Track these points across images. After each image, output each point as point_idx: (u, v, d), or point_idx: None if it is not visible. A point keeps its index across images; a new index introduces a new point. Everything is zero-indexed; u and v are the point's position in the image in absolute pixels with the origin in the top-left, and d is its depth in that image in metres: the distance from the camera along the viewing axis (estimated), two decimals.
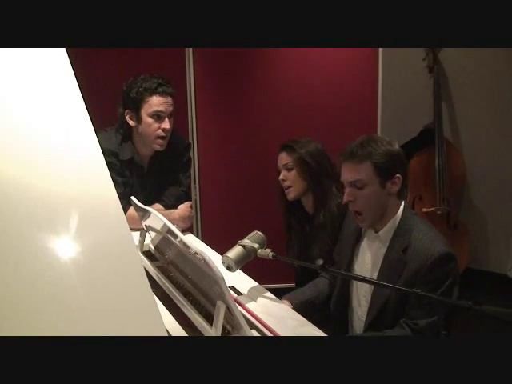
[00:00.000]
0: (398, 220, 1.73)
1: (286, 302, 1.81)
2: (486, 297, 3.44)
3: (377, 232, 1.77)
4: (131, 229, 1.98)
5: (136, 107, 2.23)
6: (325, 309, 1.95)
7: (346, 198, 1.75)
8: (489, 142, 3.66)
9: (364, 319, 1.79)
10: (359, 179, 1.70)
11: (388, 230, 1.74)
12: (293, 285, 2.51)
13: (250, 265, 1.70)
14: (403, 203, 1.77)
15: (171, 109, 2.26)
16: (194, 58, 3.01)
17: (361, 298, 1.82)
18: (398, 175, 1.71)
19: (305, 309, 1.80)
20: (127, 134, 2.30)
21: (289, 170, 2.28)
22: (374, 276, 1.76)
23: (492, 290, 3.56)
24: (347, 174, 1.73)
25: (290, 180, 2.28)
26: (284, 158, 2.30)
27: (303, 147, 2.25)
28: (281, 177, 2.31)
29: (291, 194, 2.30)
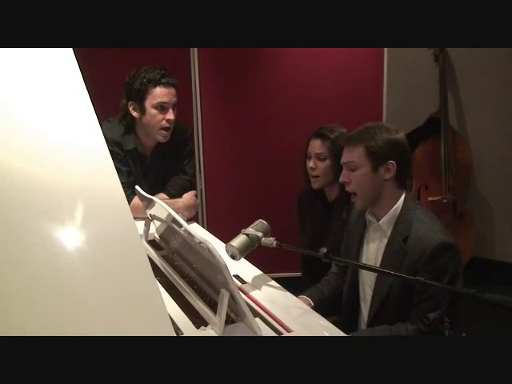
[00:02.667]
0: (399, 210, 1.76)
1: (305, 299, 1.83)
2: (491, 286, 3.42)
3: (378, 221, 1.80)
4: (136, 218, 2.01)
5: (140, 98, 2.23)
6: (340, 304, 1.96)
7: (341, 179, 1.82)
8: (495, 130, 3.64)
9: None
10: (351, 161, 1.77)
11: (389, 219, 1.77)
12: (297, 274, 2.51)
13: (254, 254, 1.71)
14: (404, 193, 1.79)
15: (175, 99, 2.26)
16: (198, 50, 3.01)
17: (366, 288, 1.84)
18: (391, 161, 1.74)
19: (324, 306, 1.81)
20: (130, 126, 2.31)
21: (321, 160, 2.24)
22: (378, 265, 1.78)
23: (498, 279, 3.55)
24: (344, 156, 1.81)
25: (320, 170, 2.24)
26: (318, 147, 2.24)
27: (334, 133, 2.21)
28: (311, 164, 2.26)
29: (317, 184, 2.28)
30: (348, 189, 1.81)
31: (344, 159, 1.80)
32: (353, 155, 1.76)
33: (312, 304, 1.81)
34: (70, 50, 1.23)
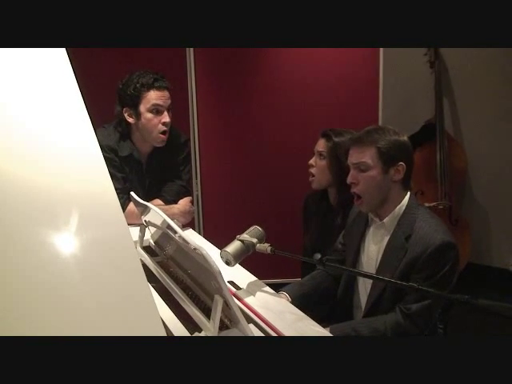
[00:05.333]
0: (403, 209, 1.78)
1: (284, 295, 1.83)
2: (487, 292, 3.44)
3: (381, 220, 1.81)
4: (131, 224, 2.01)
5: (134, 104, 2.24)
6: (323, 301, 1.96)
7: (349, 180, 1.81)
8: (490, 136, 3.66)
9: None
10: (363, 162, 1.76)
11: (392, 218, 1.78)
12: (292, 280, 2.50)
13: (249, 260, 1.71)
14: (409, 194, 1.81)
15: (169, 102, 2.28)
16: (194, 55, 3.02)
17: (367, 286, 1.85)
18: (401, 163, 1.76)
19: (303, 302, 1.81)
20: (126, 132, 2.31)
21: (321, 158, 2.27)
22: (378, 263, 1.80)
23: (493, 285, 3.56)
24: (352, 156, 1.80)
25: (318, 168, 2.27)
26: (321, 145, 2.28)
27: (339, 136, 2.23)
28: (311, 161, 2.30)
29: (313, 184, 2.31)
30: (355, 190, 1.80)
31: (354, 159, 1.79)
32: (364, 156, 1.76)
33: (290, 300, 1.81)
34: (63, 50, 1.22)
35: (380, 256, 1.80)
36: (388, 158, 1.74)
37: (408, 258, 1.69)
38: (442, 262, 1.65)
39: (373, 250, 1.85)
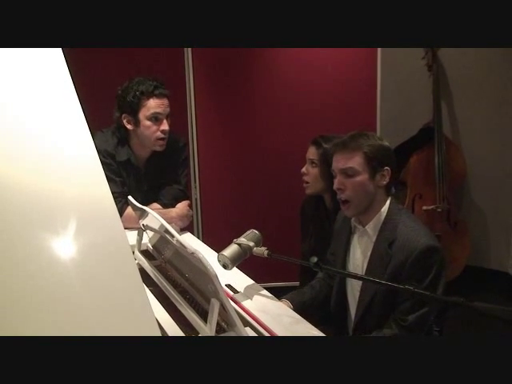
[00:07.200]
0: (384, 215, 1.77)
1: (285, 302, 1.83)
2: (486, 294, 3.45)
3: (364, 226, 1.81)
4: (130, 228, 2.02)
5: (133, 111, 2.25)
6: (323, 309, 1.96)
7: (335, 186, 1.80)
8: (489, 139, 3.67)
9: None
10: (350, 167, 1.75)
11: (375, 224, 1.78)
12: (289, 283, 2.52)
13: (246, 263, 1.72)
14: (390, 199, 1.81)
15: (168, 110, 2.28)
16: (193, 57, 3.03)
17: (355, 294, 1.85)
18: (387, 168, 1.76)
19: (305, 310, 1.81)
20: (124, 138, 2.32)
21: (313, 166, 2.28)
22: (364, 270, 1.80)
23: (493, 288, 3.57)
24: (339, 162, 1.78)
25: (311, 176, 2.29)
26: (311, 153, 2.29)
27: (329, 143, 2.22)
28: (303, 169, 2.32)
29: (308, 190, 2.33)
30: (342, 196, 1.79)
31: (340, 165, 1.77)
32: (352, 161, 1.74)
33: (292, 307, 1.81)
34: (59, 50, 1.21)
35: (366, 264, 1.80)
36: (375, 164, 1.74)
37: (393, 264, 1.69)
38: (427, 267, 1.64)
39: (358, 258, 1.85)
